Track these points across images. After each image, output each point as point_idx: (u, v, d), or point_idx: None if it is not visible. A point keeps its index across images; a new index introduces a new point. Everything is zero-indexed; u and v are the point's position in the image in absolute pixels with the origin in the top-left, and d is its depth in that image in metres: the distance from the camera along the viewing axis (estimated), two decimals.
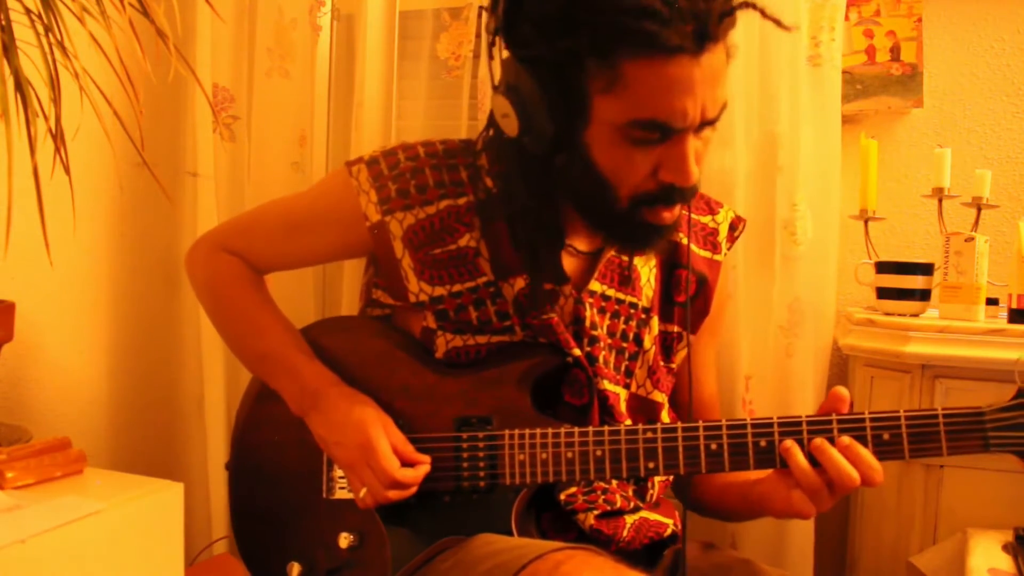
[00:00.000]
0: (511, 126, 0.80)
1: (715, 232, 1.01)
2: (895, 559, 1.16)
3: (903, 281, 1.20)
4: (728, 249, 1.02)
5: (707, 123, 0.76)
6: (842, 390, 0.78)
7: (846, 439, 0.75)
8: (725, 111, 0.77)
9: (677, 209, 0.82)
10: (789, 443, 0.77)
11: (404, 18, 1.45)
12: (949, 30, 1.42)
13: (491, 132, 0.88)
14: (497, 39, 0.80)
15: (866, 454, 0.75)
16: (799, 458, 0.76)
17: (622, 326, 0.94)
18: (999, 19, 1.40)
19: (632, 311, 0.94)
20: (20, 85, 0.72)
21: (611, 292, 0.93)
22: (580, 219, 0.87)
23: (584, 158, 0.78)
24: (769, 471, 0.81)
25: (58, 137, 0.78)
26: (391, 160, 0.92)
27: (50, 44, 0.74)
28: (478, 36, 1.44)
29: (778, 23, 0.77)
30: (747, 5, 0.74)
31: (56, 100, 0.75)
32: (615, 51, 0.71)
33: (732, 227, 1.02)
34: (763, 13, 0.76)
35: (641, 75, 0.71)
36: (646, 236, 0.83)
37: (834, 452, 0.75)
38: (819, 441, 0.76)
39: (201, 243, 1.04)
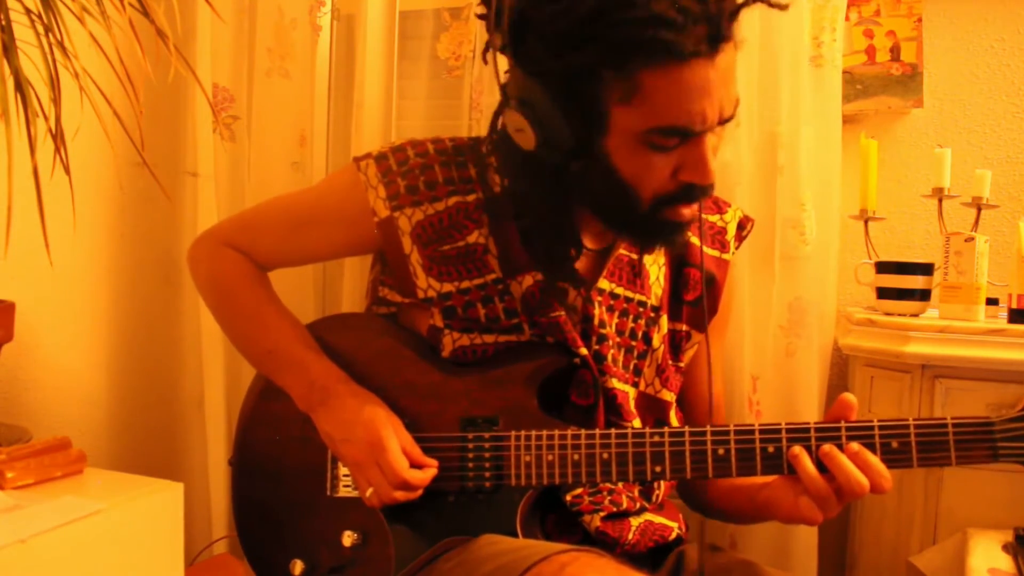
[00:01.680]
0: (527, 140, 0.78)
1: (723, 231, 1.00)
2: (895, 559, 1.16)
3: (903, 281, 1.20)
4: (736, 248, 1.02)
5: (724, 121, 0.76)
6: (850, 397, 0.78)
7: (855, 446, 0.75)
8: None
9: (696, 205, 0.82)
10: (797, 449, 0.77)
11: (404, 18, 1.44)
12: (949, 30, 1.42)
13: (495, 138, 0.87)
14: (497, 52, 0.79)
15: (875, 461, 0.74)
16: (808, 464, 0.76)
17: (631, 324, 0.93)
18: (999, 19, 1.40)
19: (641, 309, 0.94)
20: (20, 85, 0.71)
21: (620, 290, 0.93)
22: (593, 218, 0.86)
23: (604, 166, 0.78)
24: (776, 475, 0.81)
25: (58, 137, 0.78)
26: (400, 156, 0.91)
27: (50, 44, 0.74)
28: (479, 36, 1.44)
29: (778, 6, 0.76)
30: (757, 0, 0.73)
31: (56, 100, 0.75)
32: (631, 62, 0.70)
33: (740, 226, 1.02)
34: (768, 2, 0.75)
35: (659, 83, 0.71)
36: (666, 232, 0.84)
37: (844, 459, 0.75)
38: (828, 447, 0.76)
39: (204, 239, 1.03)
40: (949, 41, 1.42)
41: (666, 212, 0.80)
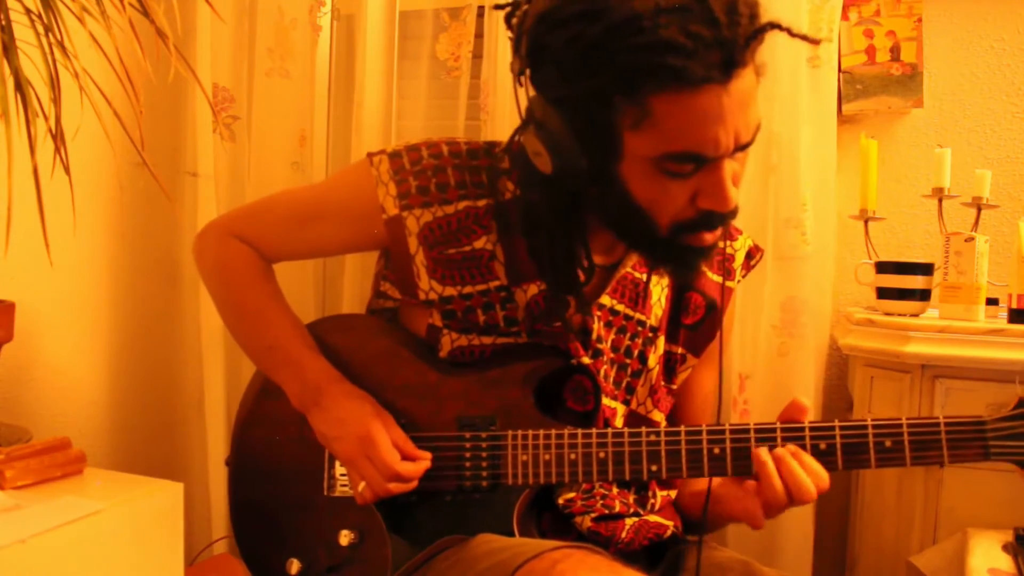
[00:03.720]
0: (544, 164, 0.78)
1: (731, 258, 1.00)
2: (895, 559, 1.16)
3: (903, 281, 1.20)
4: (743, 277, 1.01)
5: (742, 147, 0.75)
6: (803, 401, 0.80)
7: (791, 447, 0.78)
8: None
9: (720, 231, 0.81)
10: (765, 456, 0.78)
11: (404, 18, 1.45)
12: (949, 30, 1.42)
13: (514, 150, 0.86)
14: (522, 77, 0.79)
15: (811, 462, 0.77)
16: (773, 473, 0.77)
17: (627, 342, 0.93)
18: (999, 19, 1.40)
19: (640, 328, 0.94)
20: (20, 85, 0.71)
21: (620, 307, 0.93)
22: (604, 236, 0.86)
23: (620, 191, 0.77)
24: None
25: (58, 137, 0.78)
26: (414, 155, 0.91)
27: (50, 44, 0.74)
28: (478, 36, 1.44)
29: (806, 38, 0.75)
30: (773, 26, 0.71)
31: (56, 100, 0.75)
32: (641, 88, 0.69)
33: (749, 255, 1.02)
34: (790, 32, 0.73)
35: (669, 109, 0.70)
36: (689, 258, 0.82)
37: (795, 465, 0.76)
38: (780, 452, 0.77)
39: (211, 228, 1.02)
40: (949, 41, 1.42)
41: (687, 238, 0.79)
